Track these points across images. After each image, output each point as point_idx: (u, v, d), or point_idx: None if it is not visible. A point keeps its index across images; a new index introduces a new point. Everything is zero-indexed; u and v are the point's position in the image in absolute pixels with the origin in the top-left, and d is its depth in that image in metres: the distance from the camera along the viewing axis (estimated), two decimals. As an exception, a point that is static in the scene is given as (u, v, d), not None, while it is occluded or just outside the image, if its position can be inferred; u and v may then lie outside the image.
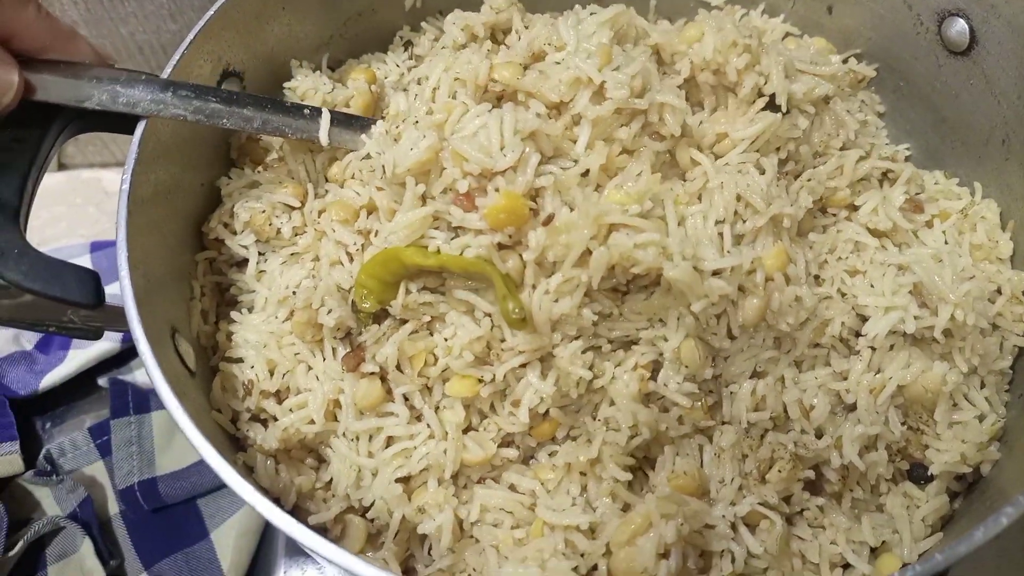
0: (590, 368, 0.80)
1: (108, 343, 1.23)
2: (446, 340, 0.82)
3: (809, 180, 0.91)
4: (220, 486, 1.13)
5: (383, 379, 0.84)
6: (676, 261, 0.76)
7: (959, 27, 0.97)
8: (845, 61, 1.09)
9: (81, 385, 1.23)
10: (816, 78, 0.93)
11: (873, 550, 0.82)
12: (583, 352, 0.80)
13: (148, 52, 1.45)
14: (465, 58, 0.87)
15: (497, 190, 0.77)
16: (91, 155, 1.58)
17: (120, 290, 0.75)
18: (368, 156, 0.90)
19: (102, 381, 1.23)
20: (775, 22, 1.13)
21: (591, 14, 0.89)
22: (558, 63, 0.85)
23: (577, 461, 0.79)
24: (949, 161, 1.04)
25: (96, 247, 1.36)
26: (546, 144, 0.81)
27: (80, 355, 1.22)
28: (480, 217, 0.77)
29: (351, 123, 0.93)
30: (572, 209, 0.77)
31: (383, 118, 0.94)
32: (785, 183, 0.90)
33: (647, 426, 0.79)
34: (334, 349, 0.87)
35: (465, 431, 0.83)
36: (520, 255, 0.78)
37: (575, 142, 0.83)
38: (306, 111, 0.91)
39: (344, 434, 0.84)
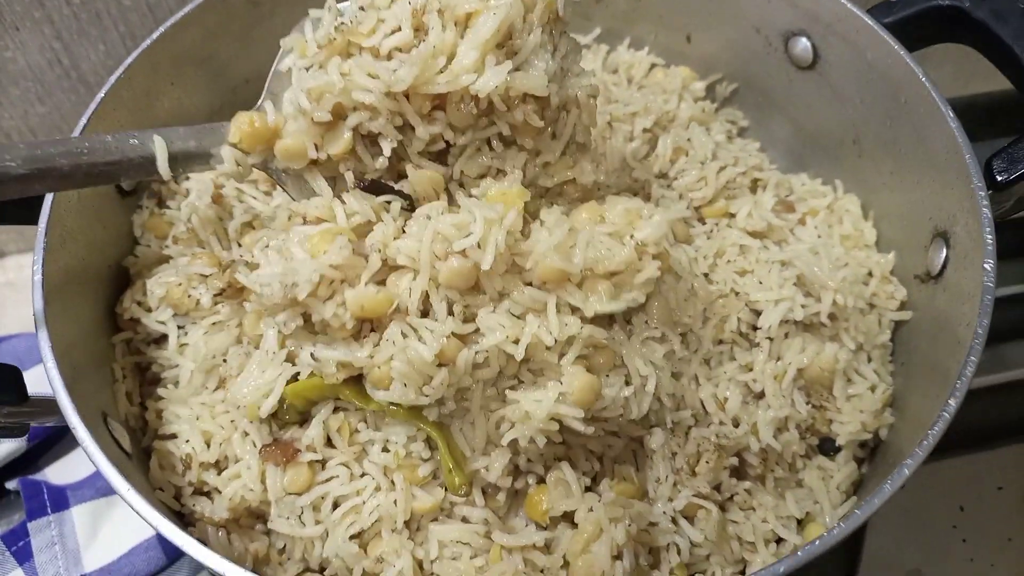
0: None
1: (12, 443, 1.17)
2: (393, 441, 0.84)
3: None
4: (156, 572, 1.09)
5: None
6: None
7: (803, 45, 1.08)
8: (709, 87, 1.19)
9: (-14, 492, 1.16)
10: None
11: (799, 522, 0.89)
12: None
13: (17, 138, 1.41)
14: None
15: None
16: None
17: (48, 380, 0.73)
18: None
19: (11, 484, 1.17)
20: (641, 55, 1.23)
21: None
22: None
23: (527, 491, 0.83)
24: (811, 164, 1.15)
25: (-15, 346, 1.30)
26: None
27: (-20, 460, 1.16)
28: None
29: (196, 137, 0.80)
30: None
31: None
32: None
33: (595, 454, 0.84)
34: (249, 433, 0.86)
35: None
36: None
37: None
38: (133, 140, 0.77)
39: (281, 515, 0.83)
